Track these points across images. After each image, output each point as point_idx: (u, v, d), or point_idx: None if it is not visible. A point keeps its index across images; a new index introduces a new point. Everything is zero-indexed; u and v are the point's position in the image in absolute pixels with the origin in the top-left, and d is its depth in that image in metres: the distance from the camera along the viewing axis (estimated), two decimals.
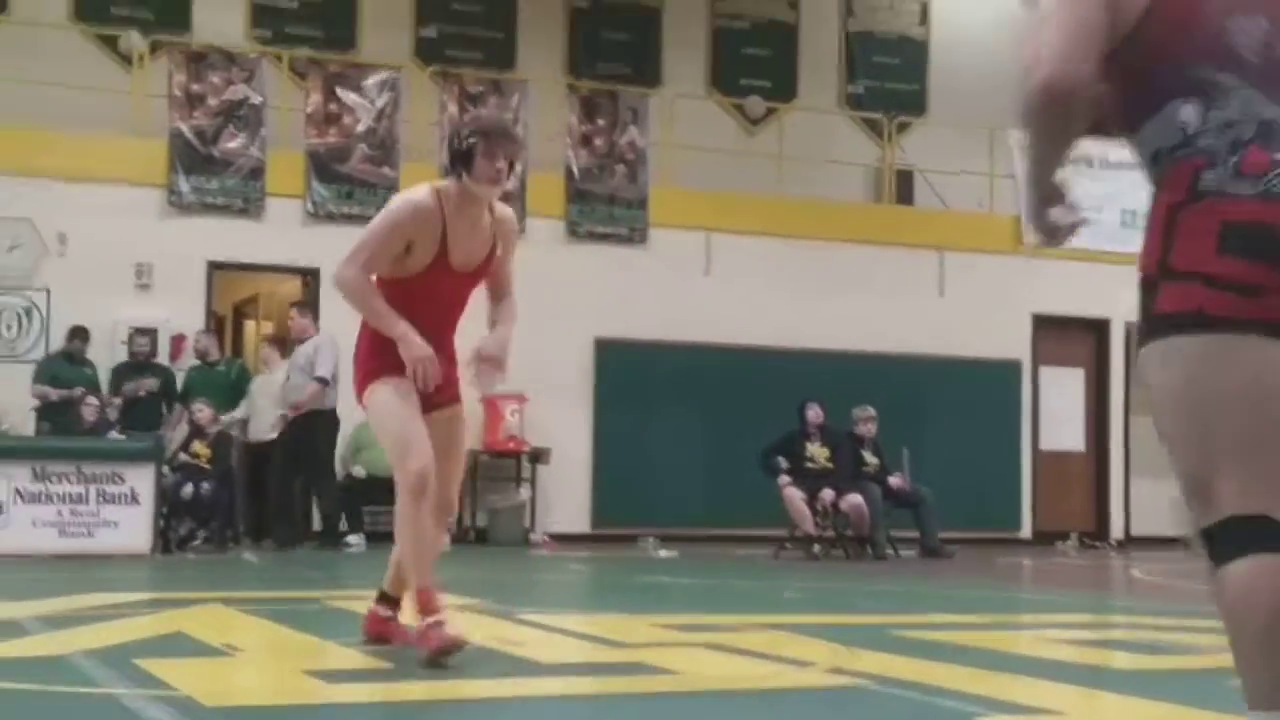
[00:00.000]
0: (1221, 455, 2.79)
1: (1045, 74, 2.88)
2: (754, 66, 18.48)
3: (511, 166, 5.49)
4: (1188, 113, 2.91)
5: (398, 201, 5.54)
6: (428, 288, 5.44)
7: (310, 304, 13.96)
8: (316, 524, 14.00)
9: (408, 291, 5.40)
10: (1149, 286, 2.90)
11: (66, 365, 13.43)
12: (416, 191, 5.50)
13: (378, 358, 5.39)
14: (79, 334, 13.46)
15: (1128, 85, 3.01)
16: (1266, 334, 2.76)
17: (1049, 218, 3.09)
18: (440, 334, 5.50)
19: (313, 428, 13.38)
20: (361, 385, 5.55)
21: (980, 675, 5.40)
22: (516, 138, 5.67)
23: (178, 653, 5.58)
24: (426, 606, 5.28)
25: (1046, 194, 3.08)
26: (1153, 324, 2.87)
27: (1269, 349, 2.76)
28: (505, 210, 5.71)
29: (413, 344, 5.27)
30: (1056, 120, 2.96)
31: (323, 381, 13.16)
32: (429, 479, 5.31)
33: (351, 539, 13.87)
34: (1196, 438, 2.83)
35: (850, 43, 18.94)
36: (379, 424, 5.65)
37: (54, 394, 13.30)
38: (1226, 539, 2.75)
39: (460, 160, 5.38)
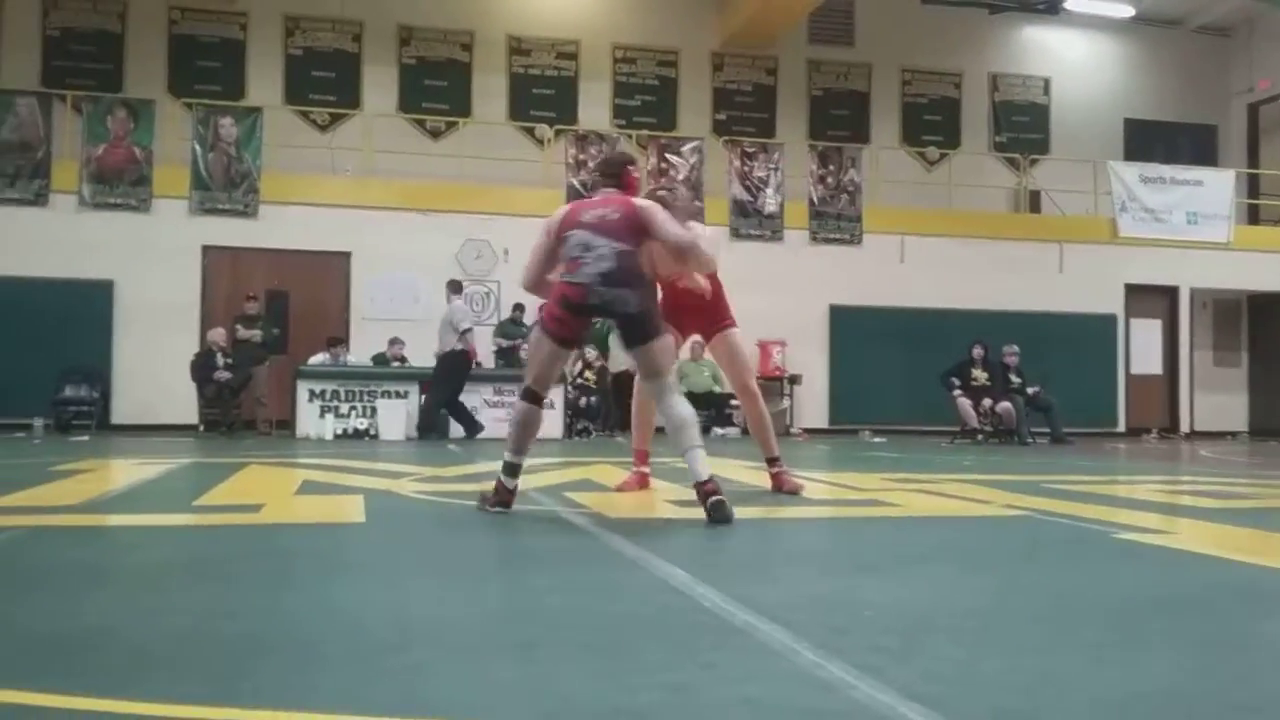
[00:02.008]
0: (534, 369, 4.59)
1: (524, 282, 4.73)
2: (931, 127, 17.85)
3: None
4: (563, 251, 4.43)
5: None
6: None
7: None
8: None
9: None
10: (543, 309, 4.55)
11: (511, 326, 13.87)
12: None
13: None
14: (518, 308, 13.86)
15: (559, 252, 4.48)
16: (555, 341, 4.49)
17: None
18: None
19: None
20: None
21: (1110, 510, 5.09)
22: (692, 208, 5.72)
23: (586, 489, 5.71)
24: (639, 459, 5.64)
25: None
26: (540, 322, 4.53)
27: (553, 344, 4.49)
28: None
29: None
30: (536, 293, 4.71)
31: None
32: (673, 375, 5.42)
33: None
34: (533, 364, 4.63)
35: (996, 109, 18.14)
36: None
37: (504, 343, 13.76)
38: (524, 394, 4.55)
39: None
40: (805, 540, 4.28)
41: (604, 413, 13.39)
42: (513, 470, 4.47)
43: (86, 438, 11.46)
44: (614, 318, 4.46)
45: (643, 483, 5.59)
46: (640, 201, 4.61)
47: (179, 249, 13.86)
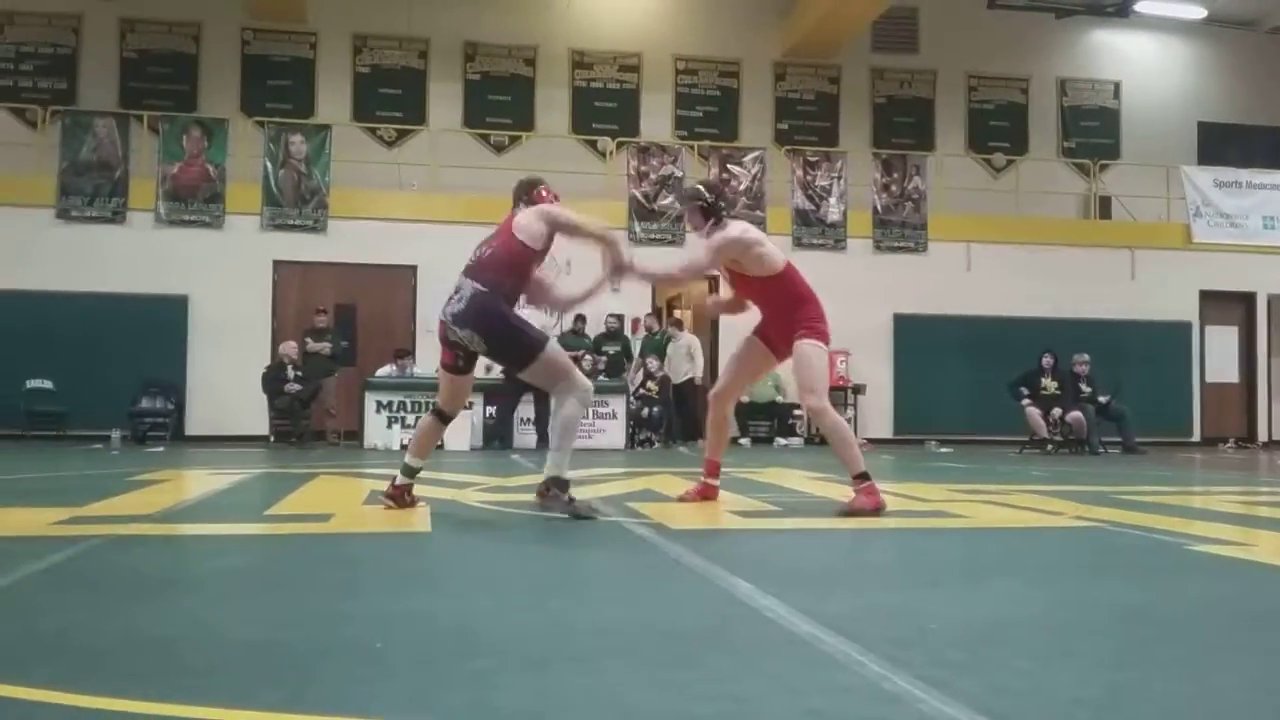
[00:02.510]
0: (439, 392, 5.10)
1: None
2: (997, 133, 17.58)
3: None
4: None
5: None
6: None
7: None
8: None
9: None
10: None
11: (573, 337, 13.82)
12: None
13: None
14: (580, 319, 13.90)
15: None
16: (442, 366, 5.03)
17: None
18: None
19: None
20: None
21: (1184, 521, 4.97)
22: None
23: (649, 499, 5.71)
24: (710, 471, 5.54)
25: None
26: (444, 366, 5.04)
27: (441, 369, 5.03)
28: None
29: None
30: None
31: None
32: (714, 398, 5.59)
33: (743, 441, 13.90)
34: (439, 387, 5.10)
35: (1064, 113, 17.83)
36: None
37: (565, 355, 13.79)
38: (433, 410, 5.15)
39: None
40: (870, 552, 4.23)
41: (666, 423, 13.39)
42: (409, 471, 4.99)
43: (162, 449, 11.74)
44: (474, 352, 4.91)
45: (706, 493, 5.54)
46: (520, 218, 4.85)
47: (251, 264, 14.16)
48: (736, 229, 5.25)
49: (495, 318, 4.73)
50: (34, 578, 3.16)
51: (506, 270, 4.78)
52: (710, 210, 5.27)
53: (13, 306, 13.36)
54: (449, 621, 2.60)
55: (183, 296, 13.95)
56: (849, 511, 4.98)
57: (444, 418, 5.11)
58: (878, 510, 4.97)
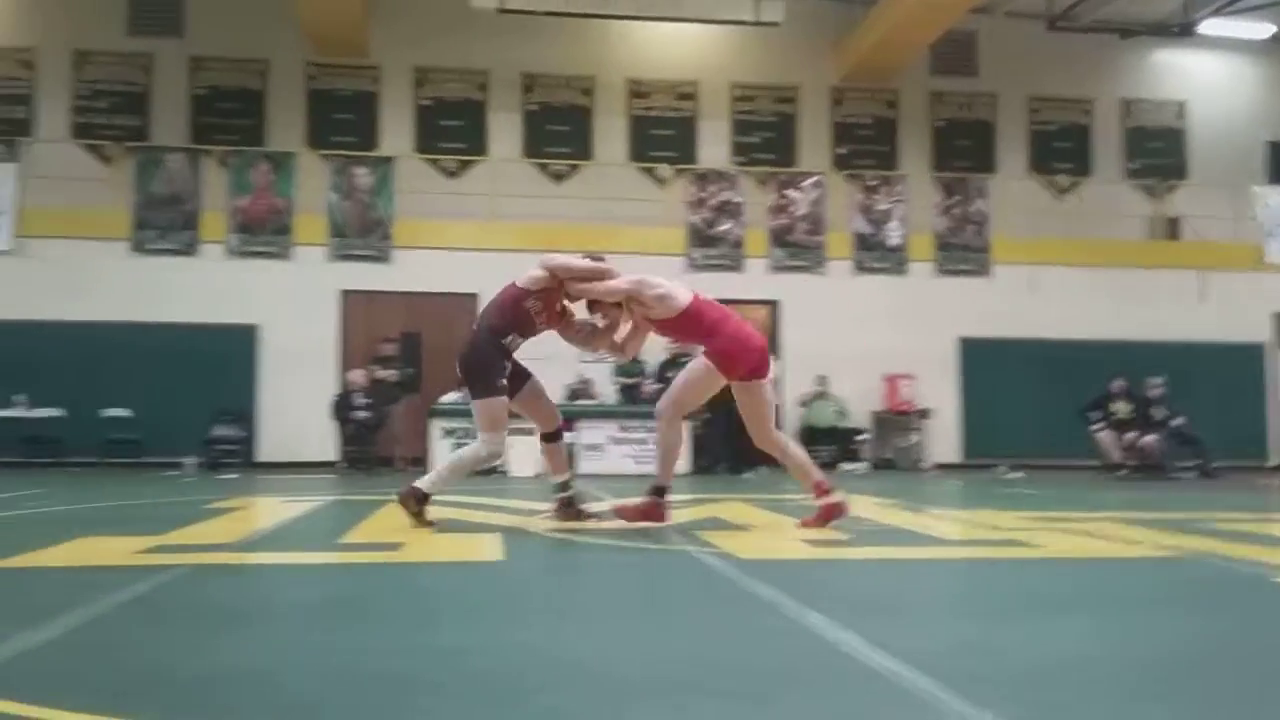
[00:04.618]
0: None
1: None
2: (1060, 155, 17.37)
3: None
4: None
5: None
6: None
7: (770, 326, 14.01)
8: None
9: None
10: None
11: (633, 363, 13.88)
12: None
13: None
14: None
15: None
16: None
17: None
18: None
19: None
20: None
21: (1267, 550, 4.84)
22: None
23: (717, 528, 5.69)
24: (819, 492, 5.59)
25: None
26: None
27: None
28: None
29: None
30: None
31: None
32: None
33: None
34: None
35: (1128, 134, 17.58)
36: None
37: (626, 381, 13.84)
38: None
39: None
40: (943, 582, 4.19)
41: (730, 450, 13.27)
42: (562, 488, 5.88)
43: (235, 475, 11.97)
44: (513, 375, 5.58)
45: (827, 515, 5.59)
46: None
47: (318, 294, 14.44)
48: (637, 275, 5.70)
49: (473, 349, 5.45)
50: (124, 607, 3.25)
51: (496, 310, 5.46)
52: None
53: (89, 336, 13.76)
54: (522, 654, 2.63)
55: (252, 326, 14.26)
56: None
57: (546, 436, 5.78)
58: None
